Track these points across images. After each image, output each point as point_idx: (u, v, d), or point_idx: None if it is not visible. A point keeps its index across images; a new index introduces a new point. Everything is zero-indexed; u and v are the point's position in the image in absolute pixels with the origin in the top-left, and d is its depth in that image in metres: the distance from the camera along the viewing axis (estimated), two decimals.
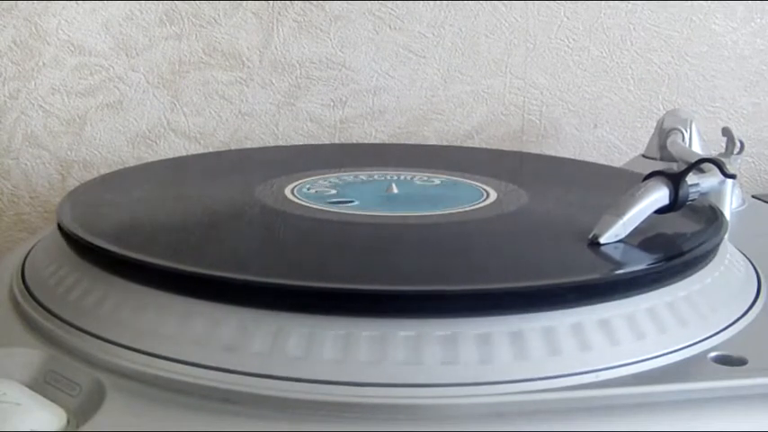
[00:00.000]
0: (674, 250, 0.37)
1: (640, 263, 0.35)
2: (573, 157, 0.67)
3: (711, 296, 0.35)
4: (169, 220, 0.43)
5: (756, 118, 0.70)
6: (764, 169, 0.71)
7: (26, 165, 0.68)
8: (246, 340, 0.31)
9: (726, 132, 0.56)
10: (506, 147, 0.70)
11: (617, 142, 0.71)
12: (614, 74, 0.70)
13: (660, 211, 0.38)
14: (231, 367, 0.30)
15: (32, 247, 0.43)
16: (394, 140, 0.70)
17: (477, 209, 0.43)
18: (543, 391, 0.29)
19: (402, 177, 0.49)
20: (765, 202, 0.58)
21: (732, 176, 0.42)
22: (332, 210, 0.42)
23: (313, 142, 0.69)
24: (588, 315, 0.32)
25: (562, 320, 0.31)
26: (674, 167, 0.51)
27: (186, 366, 0.30)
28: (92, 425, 0.28)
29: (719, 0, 0.69)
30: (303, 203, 0.43)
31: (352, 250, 0.38)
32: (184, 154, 0.68)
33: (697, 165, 0.41)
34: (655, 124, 0.59)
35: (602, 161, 0.69)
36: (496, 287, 0.32)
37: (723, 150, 0.56)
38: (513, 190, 0.47)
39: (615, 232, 0.37)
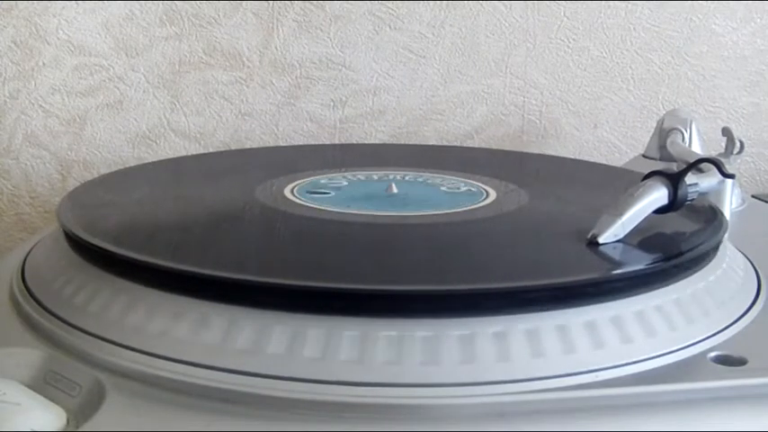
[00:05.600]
0: (674, 250, 0.37)
1: (639, 263, 0.36)
2: (573, 157, 0.67)
3: (711, 296, 0.35)
4: (169, 220, 0.43)
5: (756, 118, 0.70)
6: (764, 169, 0.71)
7: (26, 165, 0.68)
8: (246, 340, 0.31)
9: (726, 132, 0.56)
10: (506, 147, 0.70)
11: (617, 142, 0.71)
12: (614, 74, 0.70)
13: (659, 210, 0.38)
14: (231, 367, 0.30)
15: (32, 247, 0.43)
16: (394, 140, 0.70)
17: (477, 209, 0.43)
18: (543, 391, 0.29)
19: (402, 177, 0.49)
20: (765, 201, 0.58)
21: (731, 176, 0.42)
22: (331, 210, 0.42)
23: (313, 142, 0.69)
24: (588, 315, 0.32)
25: (562, 320, 0.31)
26: (674, 167, 0.51)
27: (186, 366, 0.30)
28: (92, 425, 0.28)
29: (719, 0, 0.69)
30: (303, 203, 0.43)
31: (351, 250, 0.38)
32: (184, 154, 0.68)
33: (696, 164, 0.41)
34: (655, 124, 0.59)
35: (602, 161, 0.69)
36: (494, 287, 0.32)
37: (723, 150, 0.56)
38: (513, 190, 0.47)
39: (614, 232, 0.37)
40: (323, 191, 0.45)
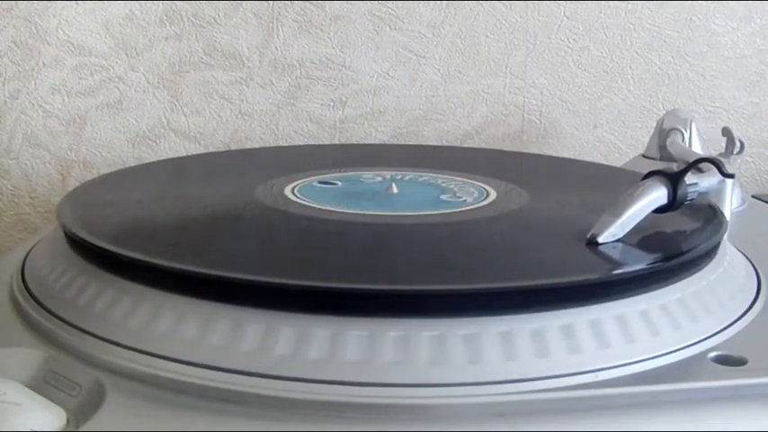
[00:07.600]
0: (674, 250, 0.37)
1: (639, 262, 0.35)
2: (573, 157, 0.67)
3: (711, 296, 0.35)
4: (169, 220, 0.43)
5: (756, 118, 0.70)
6: (764, 169, 0.71)
7: (26, 165, 0.68)
8: (246, 340, 0.31)
9: (726, 132, 0.56)
10: (506, 147, 0.70)
11: (617, 142, 0.71)
12: (614, 74, 0.70)
13: (659, 210, 0.38)
14: (231, 367, 0.30)
15: (32, 247, 0.43)
16: (394, 140, 0.70)
17: (477, 209, 0.43)
18: (543, 391, 0.29)
19: (402, 177, 0.49)
20: (765, 202, 0.58)
21: (730, 176, 0.42)
22: (332, 210, 0.42)
23: (313, 142, 0.69)
24: (588, 315, 0.32)
25: (562, 320, 0.31)
26: (674, 167, 0.51)
27: (186, 366, 0.30)
28: (92, 425, 0.28)
29: (719, 0, 0.69)
30: (303, 203, 0.43)
31: (350, 250, 0.38)
32: (184, 154, 0.68)
33: (695, 164, 0.41)
34: (655, 124, 0.59)
35: (602, 161, 0.69)
36: (491, 287, 0.32)
37: (723, 150, 0.56)
38: (512, 190, 0.47)
39: (613, 232, 0.37)
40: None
